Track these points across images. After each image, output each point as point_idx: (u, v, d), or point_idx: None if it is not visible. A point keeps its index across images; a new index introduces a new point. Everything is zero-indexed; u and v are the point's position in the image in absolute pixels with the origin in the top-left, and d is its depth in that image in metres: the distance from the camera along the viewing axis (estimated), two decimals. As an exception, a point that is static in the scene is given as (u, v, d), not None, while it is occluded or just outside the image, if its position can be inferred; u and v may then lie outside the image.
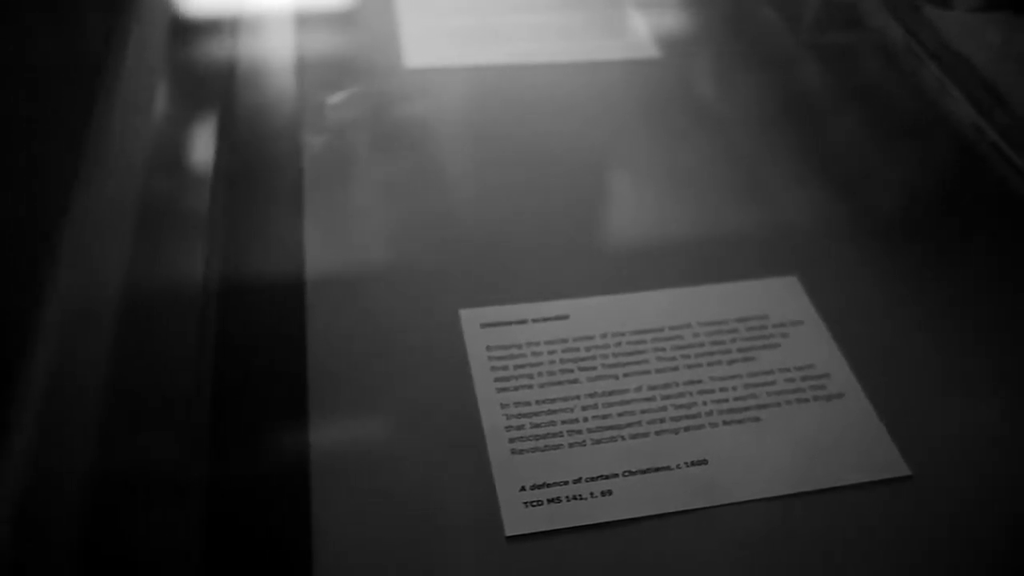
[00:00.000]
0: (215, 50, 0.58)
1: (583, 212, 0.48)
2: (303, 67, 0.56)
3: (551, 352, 0.41)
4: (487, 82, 0.57)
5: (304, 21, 0.60)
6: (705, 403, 0.40)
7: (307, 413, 0.38)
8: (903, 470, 0.38)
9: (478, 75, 0.57)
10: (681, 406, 0.40)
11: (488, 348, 0.41)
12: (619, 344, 0.42)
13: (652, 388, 0.40)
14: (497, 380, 0.40)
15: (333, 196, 0.48)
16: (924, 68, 0.41)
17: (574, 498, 0.36)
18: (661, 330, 0.42)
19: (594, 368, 0.41)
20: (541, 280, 0.44)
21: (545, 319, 0.43)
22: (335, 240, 0.46)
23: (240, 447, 0.38)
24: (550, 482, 0.37)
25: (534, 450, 0.38)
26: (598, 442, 0.38)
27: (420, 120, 0.53)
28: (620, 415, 0.39)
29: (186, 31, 0.58)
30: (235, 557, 0.34)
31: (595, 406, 0.39)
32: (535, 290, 0.44)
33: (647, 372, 0.41)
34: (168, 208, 0.46)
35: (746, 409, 0.40)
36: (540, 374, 0.40)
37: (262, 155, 0.51)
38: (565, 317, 0.43)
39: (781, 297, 0.44)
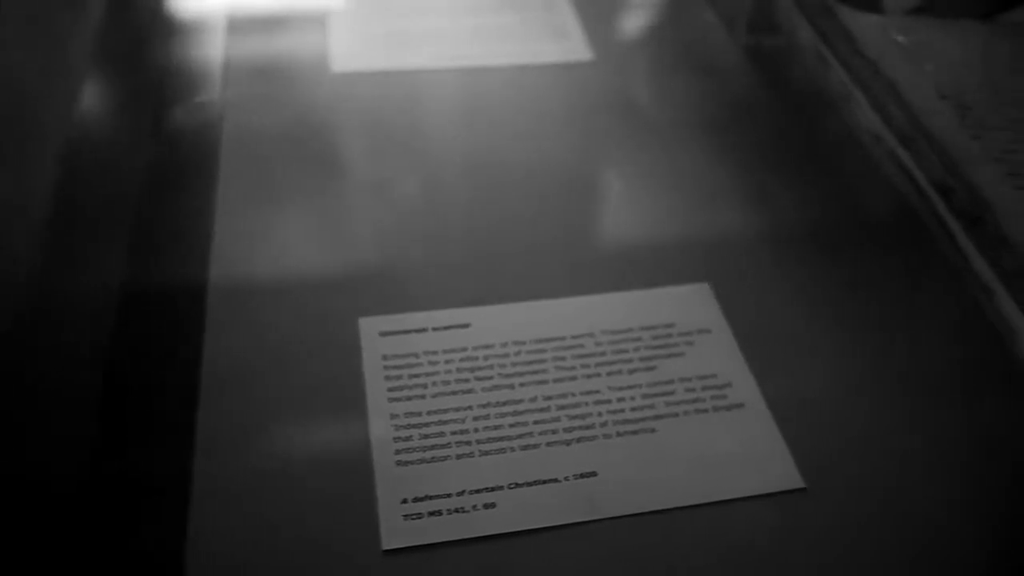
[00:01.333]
0: (144, 52, 0.58)
1: (494, 218, 0.48)
2: (229, 71, 0.56)
3: (448, 361, 0.41)
4: (414, 86, 0.56)
5: (236, 25, 0.60)
6: (600, 414, 0.39)
7: (195, 422, 0.38)
8: (797, 483, 0.37)
9: (406, 79, 0.57)
10: (575, 417, 0.39)
11: (384, 357, 0.41)
12: (519, 353, 0.41)
13: (547, 398, 0.39)
14: (390, 390, 0.39)
15: (245, 201, 0.47)
16: (832, 73, 0.41)
17: (456, 511, 0.35)
18: (563, 339, 0.42)
19: (490, 378, 0.40)
20: (447, 287, 0.44)
21: (446, 327, 0.42)
22: (243, 246, 0.45)
23: (123, 456, 0.37)
24: (433, 494, 0.36)
25: (420, 462, 0.37)
26: (486, 453, 0.37)
27: (337, 126, 0.52)
28: (512, 426, 0.38)
29: (117, 32, 0.58)
30: (106, 567, 0.34)
31: (487, 416, 0.39)
32: (440, 297, 0.43)
33: (544, 382, 0.40)
34: (77, 207, 0.46)
35: (642, 420, 0.39)
36: (434, 384, 0.40)
37: (182, 158, 0.51)
38: (466, 325, 0.42)
39: (691, 305, 0.44)
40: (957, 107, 0.41)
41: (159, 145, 0.51)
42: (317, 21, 0.60)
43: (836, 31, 0.43)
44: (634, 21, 0.62)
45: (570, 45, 0.59)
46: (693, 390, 0.40)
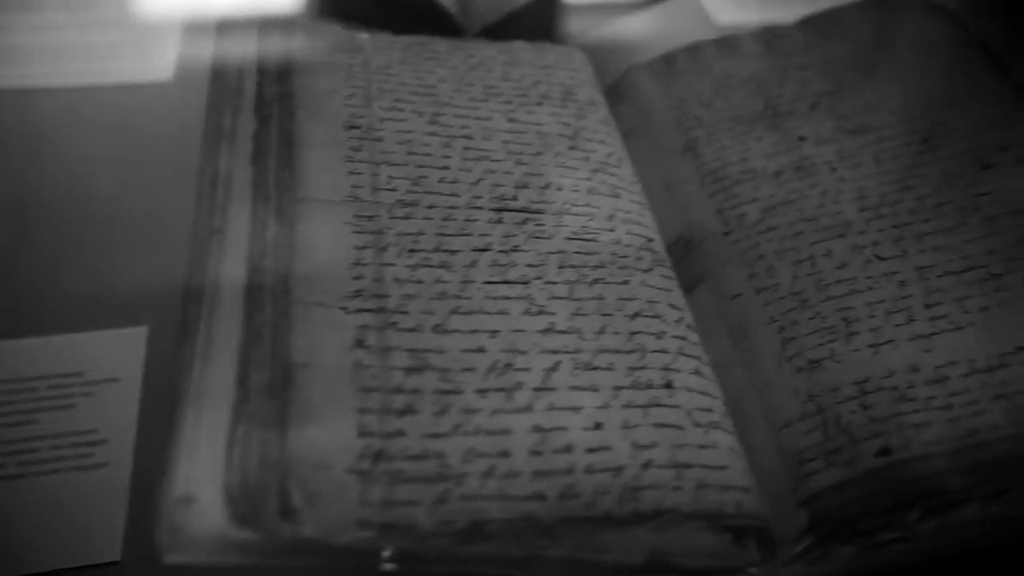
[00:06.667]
0: None
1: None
2: None
3: None
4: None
5: None
6: (-64, 475, 0.36)
7: None
8: (113, 555, 0.34)
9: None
10: (-96, 479, 0.36)
11: None
12: None
13: None
14: None
15: None
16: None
17: None
18: (-54, 390, 0.39)
19: None
20: None
21: None
22: None
23: None
24: None
25: None
26: None
27: None
28: None
29: None
30: None
31: None
32: None
33: None
34: None
35: (-18, 482, 0.36)
36: None
37: None
38: None
39: (113, 351, 0.41)
40: (360, 140, 0.38)
41: None
42: None
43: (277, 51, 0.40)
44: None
45: (152, 64, 0.56)
46: (59, 448, 0.37)
